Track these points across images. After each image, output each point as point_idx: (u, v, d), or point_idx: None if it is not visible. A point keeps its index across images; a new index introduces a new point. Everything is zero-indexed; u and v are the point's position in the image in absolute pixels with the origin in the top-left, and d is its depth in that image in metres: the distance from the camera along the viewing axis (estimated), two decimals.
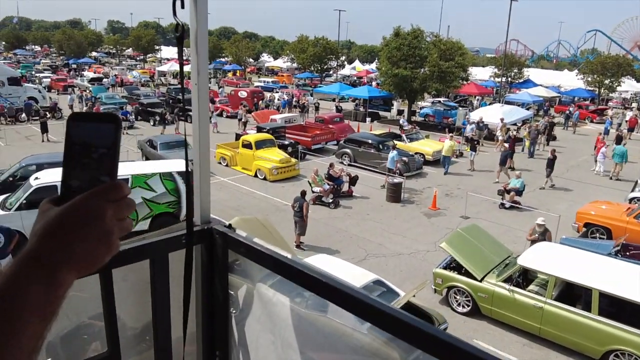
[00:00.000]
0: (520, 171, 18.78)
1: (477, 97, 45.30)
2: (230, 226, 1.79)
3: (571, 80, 53.06)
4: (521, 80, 51.07)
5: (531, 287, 9.79)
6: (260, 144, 20.21)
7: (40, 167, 14.46)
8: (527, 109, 35.39)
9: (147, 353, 1.80)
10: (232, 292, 1.85)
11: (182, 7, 1.48)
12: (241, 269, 1.81)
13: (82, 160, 0.73)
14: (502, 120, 27.33)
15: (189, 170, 1.72)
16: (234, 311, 1.87)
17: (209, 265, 1.81)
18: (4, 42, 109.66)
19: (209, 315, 1.87)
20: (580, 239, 13.14)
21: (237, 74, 70.35)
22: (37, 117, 27.85)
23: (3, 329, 0.59)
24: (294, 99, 40.63)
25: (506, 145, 21.00)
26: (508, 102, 37.55)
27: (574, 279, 9.05)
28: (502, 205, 16.81)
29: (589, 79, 46.62)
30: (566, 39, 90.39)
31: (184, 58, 1.62)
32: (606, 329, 8.48)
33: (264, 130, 22.89)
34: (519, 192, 16.76)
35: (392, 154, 19.18)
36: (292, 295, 1.70)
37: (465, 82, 37.14)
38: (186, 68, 1.82)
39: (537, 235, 12.17)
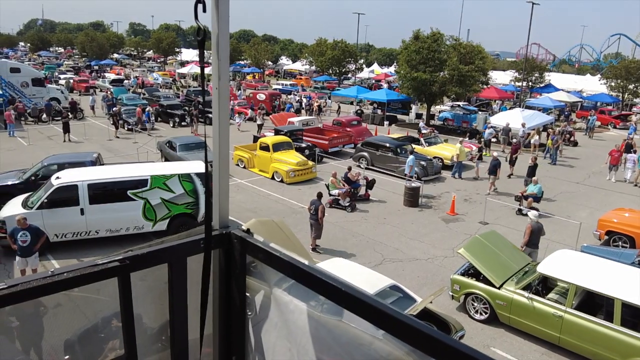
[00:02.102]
0: (537, 177, 18.39)
1: (496, 101, 44.85)
2: (248, 231, 1.77)
3: (594, 85, 52.22)
4: (542, 85, 50.39)
5: (551, 295, 9.61)
6: (277, 147, 20.27)
7: (61, 166, 14.72)
8: (548, 114, 34.92)
9: (164, 355, 1.80)
10: (249, 296, 1.83)
11: (204, 10, 1.48)
12: (259, 272, 1.80)
13: None
14: (523, 125, 27.05)
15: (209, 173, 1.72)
16: (250, 314, 1.86)
17: (226, 270, 1.81)
18: (29, 44, 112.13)
19: (226, 320, 1.86)
20: (602, 247, 12.88)
21: (256, 77, 70.80)
22: (59, 118, 28.36)
23: None
24: (311, 101, 40.73)
25: (495, 154, 19.75)
26: (529, 107, 37.08)
27: (596, 288, 8.85)
28: (520, 211, 16.50)
29: (612, 83, 45.82)
30: (589, 43, 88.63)
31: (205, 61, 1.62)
32: (629, 340, 8.27)
33: (282, 132, 22.95)
34: (536, 198, 16.41)
35: (409, 158, 19.08)
36: (308, 300, 1.68)
37: (485, 86, 36.81)
38: (207, 71, 1.81)
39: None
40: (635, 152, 22.20)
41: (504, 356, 9.11)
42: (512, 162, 21.52)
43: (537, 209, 16.20)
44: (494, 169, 18.70)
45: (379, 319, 1.29)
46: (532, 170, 18.62)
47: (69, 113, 31.58)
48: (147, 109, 31.34)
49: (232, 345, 1.89)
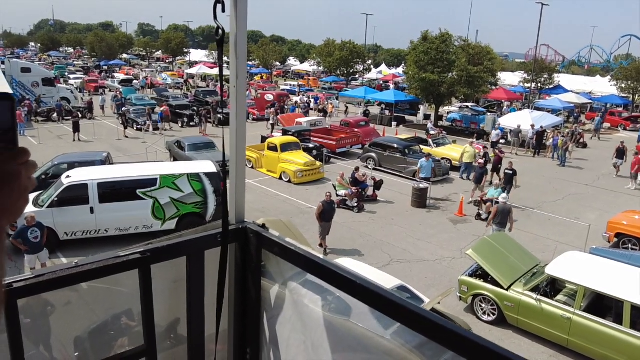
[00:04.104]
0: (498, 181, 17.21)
1: (506, 103, 44.67)
2: (264, 226, 1.81)
3: (604, 87, 51.85)
4: (551, 86, 50.10)
5: (559, 297, 9.58)
6: (285, 147, 20.31)
7: (71, 165, 14.85)
8: (557, 115, 34.75)
9: (181, 348, 1.84)
10: (264, 290, 1.87)
11: (223, 11, 1.52)
12: (274, 268, 1.83)
13: None
14: (532, 126, 26.90)
15: (226, 170, 1.76)
16: (265, 307, 1.89)
17: (242, 264, 1.85)
18: (39, 44, 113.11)
19: (241, 313, 1.90)
20: (611, 249, 12.80)
21: (264, 77, 70.99)
22: (70, 117, 28.60)
23: None
24: (319, 102, 40.80)
25: (481, 161, 18.39)
26: (538, 108, 36.89)
27: (605, 290, 8.81)
28: (479, 216, 15.84)
29: (623, 85, 45.47)
30: (599, 44, 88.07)
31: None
32: (638, 342, 8.23)
33: (290, 133, 23.01)
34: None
35: (429, 162, 18.59)
36: (323, 293, 1.71)
37: (494, 87, 36.67)
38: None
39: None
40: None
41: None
42: (496, 170, 19.80)
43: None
44: (480, 177, 17.66)
45: (394, 312, 1.31)
46: (510, 178, 17.25)
47: (87, 112, 32.04)
48: (156, 109, 31.55)
49: (247, 339, 1.93)
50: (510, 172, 17.39)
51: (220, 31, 1.54)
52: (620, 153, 22.28)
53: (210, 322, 1.75)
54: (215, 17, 1.51)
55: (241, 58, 1.70)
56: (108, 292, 1.75)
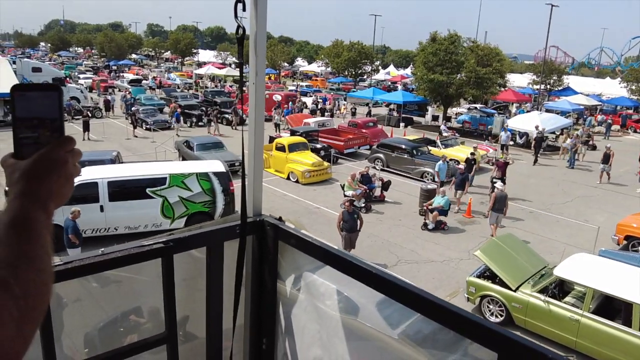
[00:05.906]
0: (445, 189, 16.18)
1: (515, 105, 44.49)
2: (280, 218, 1.87)
3: (614, 88, 51.47)
4: (560, 88, 49.81)
5: (567, 298, 9.56)
6: (293, 147, 20.36)
7: (81, 164, 14.73)
8: (567, 117, 34.53)
9: (199, 335, 1.89)
10: (280, 282, 1.92)
11: (244, 10, 1.57)
12: (290, 259, 1.88)
13: (36, 123, 0.89)
14: (536, 127, 26.66)
15: (240, 168, 1.82)
16: (281, 300, 1.94)
17: (259, 255, 1.90)
18: (49, 44, 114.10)
19: (258, 304, 1.96)
20: (621, 251, 12.73)
21: (272, 78, 71.17)
22: (79, 116, 28.84)
23: (39, 239, 0.80)
24: (326, 103, 40.86)
25: (461, 166, 17.75)
26: (547, 110, 36.71)
27: (614, 292, 8.78)
28: (425, 225, 15.18)
29: (633, 87, 45.12)
30: (609, 46, 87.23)
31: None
32: None
33: (298, 133, 23.05)
34: (443, 212, 14.97)
35: (445, 165, 18.40)
36: (332, 290, 1.75)
37: (502, 89, 36.54)
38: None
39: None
40: None
41: None
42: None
43: (444, 223, 15.13)
44: (462, 183, 16.81)
45: (414, 302, 1.35)
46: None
47: (97, 111, 32.39)
48: (164, 109, 31.76)
49: (263, 329, 1.98)
50: (500, 179, 16.78)
51: (240, 30, 1.59)
52: (606, 158, 21.23)
53: (228, 311, 1.80)
54: (235, 16, 1.56)
55: (260, 56, 1.75)
56: (130, 282, 1.81)
